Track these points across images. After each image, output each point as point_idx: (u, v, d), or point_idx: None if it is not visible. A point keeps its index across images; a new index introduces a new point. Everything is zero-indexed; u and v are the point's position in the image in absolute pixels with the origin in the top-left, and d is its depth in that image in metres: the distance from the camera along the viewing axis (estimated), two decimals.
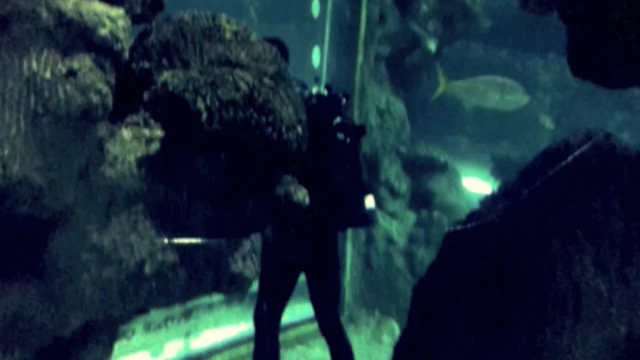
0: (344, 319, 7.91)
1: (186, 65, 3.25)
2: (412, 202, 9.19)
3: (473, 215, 4.08)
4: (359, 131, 4.49)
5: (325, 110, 4.34)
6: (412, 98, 9.58)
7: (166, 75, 2.97)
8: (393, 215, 8.75)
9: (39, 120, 2.78)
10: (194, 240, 2.66)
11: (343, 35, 9.43)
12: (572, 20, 3.36)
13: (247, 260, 2.80)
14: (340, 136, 4.29)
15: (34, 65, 2.79)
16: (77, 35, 3.08)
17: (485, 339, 3.26)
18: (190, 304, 6.55)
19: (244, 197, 2.74)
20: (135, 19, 3.81)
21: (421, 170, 9.30)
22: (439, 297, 3.63)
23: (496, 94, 8.50)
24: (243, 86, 2.90)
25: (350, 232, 7.99)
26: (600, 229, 3.14)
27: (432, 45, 9.25)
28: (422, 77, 9.57)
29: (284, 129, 2.76)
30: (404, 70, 9.40)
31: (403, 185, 8.94)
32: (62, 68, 2.96)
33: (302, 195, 2.91)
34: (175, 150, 2.76)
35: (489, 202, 4.08)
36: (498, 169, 10.18)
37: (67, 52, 3.05)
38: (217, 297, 6.98)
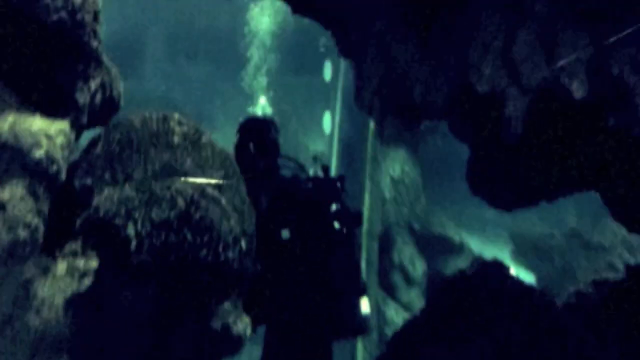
0: None
1: (129, 178, 3.16)
2: (427, 288, 8.72)
3: None
4: (355, 219, 4.25)
5: (320, 196, 4.14)
6: (426, 161, 9.32)
7: (100, 198, 2.88)
8: (407, 307, 8.27)
9: None
10: None
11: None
12: (464, 140, 3.71)
13: None
14: (337, 225, 4.06)
15: None
16: (11, 159, 3.03)
17: None
18: None
19: (172, 330, 2.55)
20: (88, 125, 3.78)
21: (436, 251, 8.89)
22: None
23: None
24: (180, 202, 2.78)
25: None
26: None
27: None
28: (436, 139, 9.33)
29: (220, 249, 2.60)
30: (418, 131, 9.20)
31: (418, 269, 8.51)
32: None
33: (242, 326, 2.70)
34: (107, 281, 2.61)
35: None
36: (518, 249, 9.78)
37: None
38: None
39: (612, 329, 3.02)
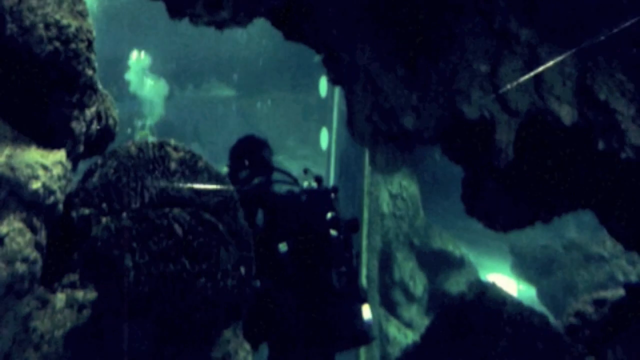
0: None
1: (126, 207, 3.17)
2: (428, 305, 8.66)
3: None
4: (351, 226, 4.29)
5: (315, 206, 4.19)
6: (425, 175, 9.30)
7: (97, 229, 2.88)
8: (409, 325, 8.20)
9: None
10: None
11: None
12: (458, 163, 3.72)
13: None
14: (333, 232, 4.10)
15: None
16: (8, 192, 3.04)
17: None
18: None
19: None
20: (85, 154, 3.79)
21: (436, 266, 8.84)
22: None
23: None
24: (177, 230, 2.80)
25: (363, 352, 7.44)
26: None
27: None
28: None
29: (219, 276, 2.60)
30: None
31: (418, 286, 8.46)
32: None
33: (243, 354, 2.70)
34: (106, 313, 2.61)
35: None
36: (519, 263, 9.74)
37: None
38: None
39: (612, 350, 3.03)
